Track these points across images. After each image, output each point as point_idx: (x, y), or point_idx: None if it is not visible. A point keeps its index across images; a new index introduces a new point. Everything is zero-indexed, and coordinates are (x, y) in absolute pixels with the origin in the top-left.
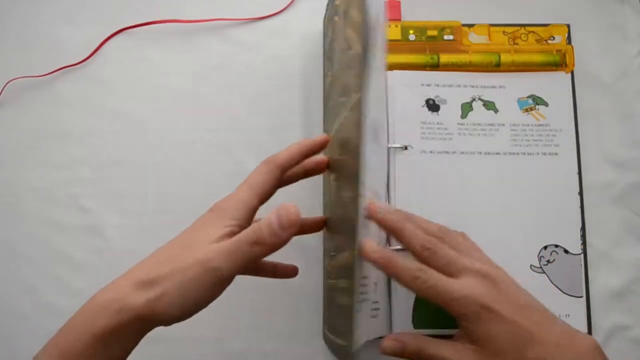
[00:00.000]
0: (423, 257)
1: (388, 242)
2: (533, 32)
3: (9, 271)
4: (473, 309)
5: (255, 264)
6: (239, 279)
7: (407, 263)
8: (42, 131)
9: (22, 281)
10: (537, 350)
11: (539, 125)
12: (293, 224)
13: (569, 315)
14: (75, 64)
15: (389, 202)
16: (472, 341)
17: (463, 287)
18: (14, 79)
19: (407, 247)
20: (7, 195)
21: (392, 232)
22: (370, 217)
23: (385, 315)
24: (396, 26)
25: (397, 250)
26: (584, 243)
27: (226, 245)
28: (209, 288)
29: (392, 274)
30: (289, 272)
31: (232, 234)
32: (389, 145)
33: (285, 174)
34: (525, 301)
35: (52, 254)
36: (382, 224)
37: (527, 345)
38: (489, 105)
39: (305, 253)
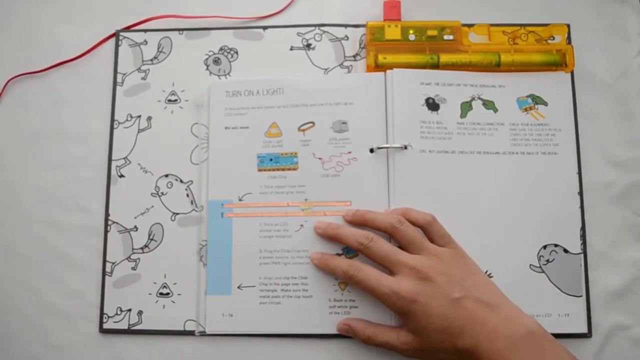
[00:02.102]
0: (361, 252)
1: None
2: (533, 32)
3: (9, 271)
4: (401, 304)
5: None
6: None
7: (339, 261)
8: (42, 131)
9: (22, 281)
10: (467, 340)
11: (539, 124)
12: None
13: (568, 314)
14: (73, 59)
15: (388, 201)
16: (410, 330)
17: (392, 283)
18: (14, 77)
19: (351, 248)
20: (7, 196)
21: (334, 240)
22: (317, 234)
23: (363, 311)
24: (396, 26)
25: None
26: (583, 243)
27: None
28: None
29: (329, 273)
30: None
31: None
32: (388, 145)
33: None
34: (461, 293)
35: (52, 254)
36: (325, 237)
37: (457, 336)
38: (489, 105)
39: None
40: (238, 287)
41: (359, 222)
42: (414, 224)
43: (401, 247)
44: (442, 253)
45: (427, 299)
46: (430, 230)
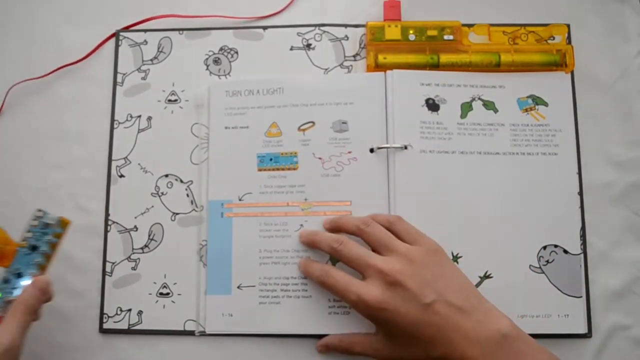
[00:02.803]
0: (334, 256)
1: None
2: (533, 32)
3: None
4: (368, 312)
5: None
6: None
7: (314, 266)
8: (43, 131)
9: None
10: (440, 349)
11: (539, 125)
12: (47, 290)
13: (568, 315)
14: (75, 62)
15: (388, 201)
16: (383, 335)
17: (361, 288)
18: (16, 84)
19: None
20: (7, 196)
21: (312, 247)
22: (301, 242)
23: None
24: (396, 26)
25: None
26: (583, 243)
27: (7, 326)
28: None
29: (308, 277)
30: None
31: None
32: (389, 145)
33: None
34: (432, 297)
35: None
36: (305, 244)
37: (428, 344)
38: (489, 105)
39: None
40: (238, 287)
41: (334, 228)
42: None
43: (373, 250)
44: (413, 252)
45: (397, 306)
46: (396, 230)
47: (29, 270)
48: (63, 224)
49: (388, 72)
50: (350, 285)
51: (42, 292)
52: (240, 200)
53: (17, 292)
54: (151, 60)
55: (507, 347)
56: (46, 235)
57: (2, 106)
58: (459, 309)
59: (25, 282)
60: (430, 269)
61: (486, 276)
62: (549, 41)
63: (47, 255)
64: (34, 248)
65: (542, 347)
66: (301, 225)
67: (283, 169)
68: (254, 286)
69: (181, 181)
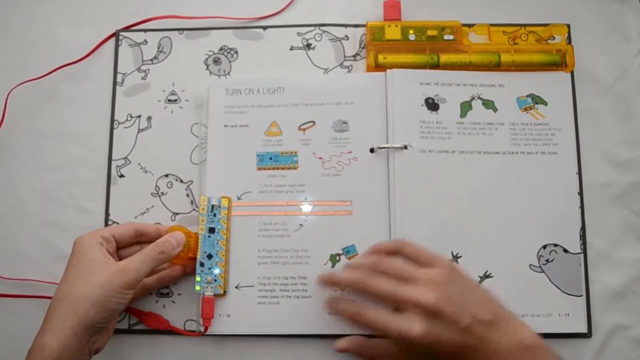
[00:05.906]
0: (359, 294)
1: None
2: (533, 32)
3: (9, 271)
4: (411, 344)
5: (144, 287)
6: None
7: (344, 305)
8: (42, 131)
9: (22, 281)
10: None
11: (539, 124)
12: (182, 242)
13: (568, 314)
14: (74, 62)
15: (388, 201)
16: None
17: (402, 324)
18: (16, 86)
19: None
20: (7, 196)
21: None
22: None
23: None
24: (396, 26)
25: None
26: (583, 242)
27: (139, 255)
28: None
29: (338, 315)
30: (174, 275)
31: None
32: (389, 145)
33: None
34: (468, 320)
35: (52, 254)
36: (325, 286)
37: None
38: (489, 104)
39: None
40: (236, 287)
41: (333, 282)
42: (387, 255)
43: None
44: (437, 277)
45: (439, 336)
46: (405, 255)
47: (215, 249)
48: (226, 201)
49: (388, 71)
50: (389, 322)
51: (176, 240)
52: (238, 199)
53: (215, 271)
54: (151, 60)
55: (531, 358)
56: (217, 215)
57: (4, 111)
58: (490, 323)
59: (217, 260)
60: (457, 289)
61: (486, 276)
62: (549, 41)
63: (224, 232)
64: (211, 230)
65: (559, 357)
66: (301, 225)
67: (283, 168)
68: (252, 286)
69: (181, 181)
